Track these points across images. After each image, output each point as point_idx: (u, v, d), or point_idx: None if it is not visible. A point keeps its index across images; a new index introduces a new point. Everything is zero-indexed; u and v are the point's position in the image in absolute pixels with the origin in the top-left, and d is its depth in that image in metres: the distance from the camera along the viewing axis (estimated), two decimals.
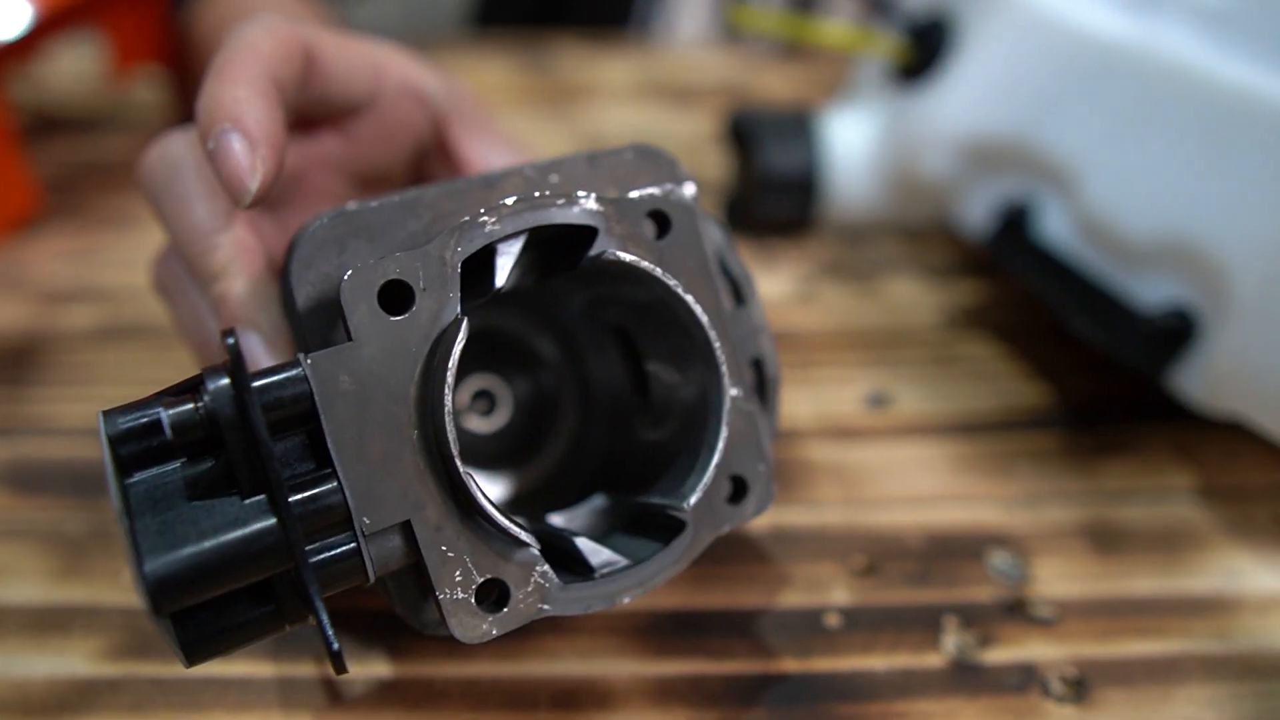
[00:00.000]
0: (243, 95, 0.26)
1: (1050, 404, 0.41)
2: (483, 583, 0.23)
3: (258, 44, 0.27)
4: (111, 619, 0.31)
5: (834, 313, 0.47)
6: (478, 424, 0.31)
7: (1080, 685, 0.30)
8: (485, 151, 0.33)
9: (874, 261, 0.51)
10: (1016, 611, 0.32)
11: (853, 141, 0.49)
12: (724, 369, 0.26)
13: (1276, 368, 0.34)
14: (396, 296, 0.23)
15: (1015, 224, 0.44)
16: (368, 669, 0.29)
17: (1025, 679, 0.30)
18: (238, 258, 0.27)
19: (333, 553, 0.22)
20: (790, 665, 0.30)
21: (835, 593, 0.32)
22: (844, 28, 0.47)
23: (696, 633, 0.31)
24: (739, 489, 0.27)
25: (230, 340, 0.21)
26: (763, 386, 0.30)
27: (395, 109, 0.33)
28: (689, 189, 0.28)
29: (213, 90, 0.26)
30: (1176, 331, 0.37)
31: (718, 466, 0.25)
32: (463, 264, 0.24)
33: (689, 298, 0.25)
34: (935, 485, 0.37)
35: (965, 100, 0.46)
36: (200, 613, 0.21)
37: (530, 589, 0.24)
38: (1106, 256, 0.40)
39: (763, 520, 0.35)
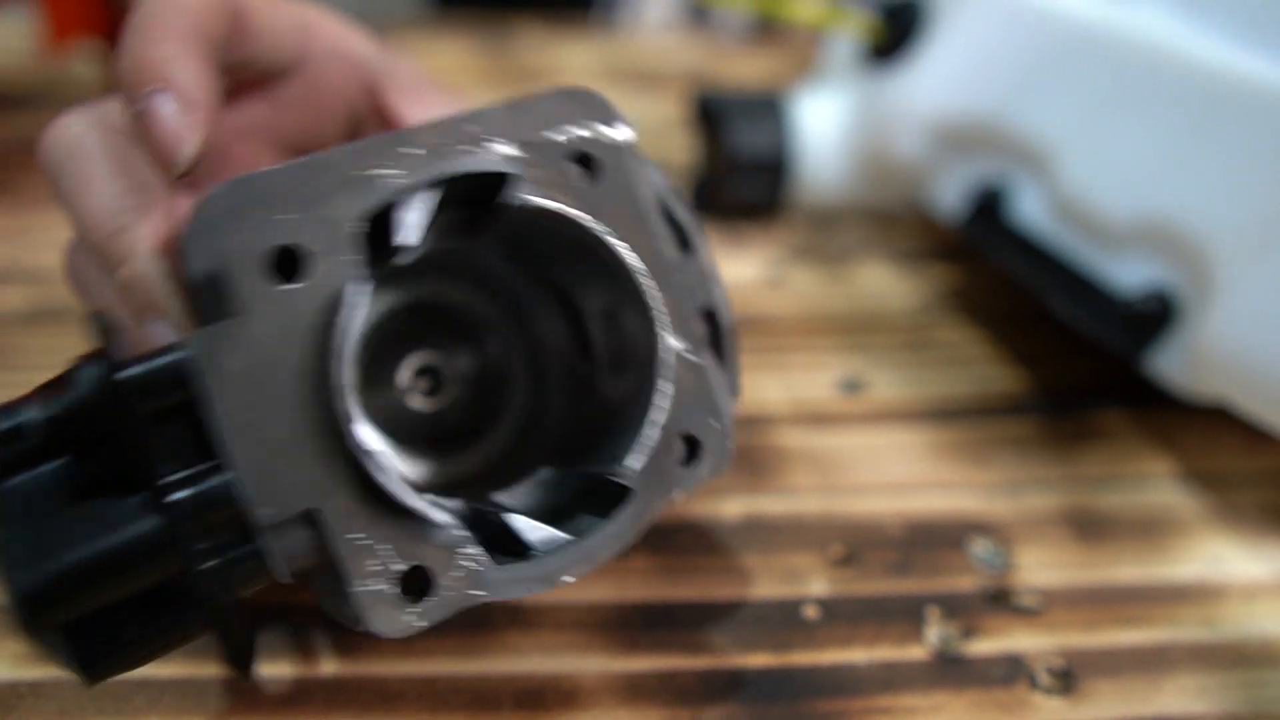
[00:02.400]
0: (172, 53, 0.23)
1: (1028, 390, 0.40)
2: (404, 571, 0.21)
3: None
4: None
5: (804, 297, 0.46)
6: (422, 403, 0.29)
7: (1068, 676, 0.29)
8: (426, 114, 0.30)
9: (845, 245, 0.50)
10: (1000, 601, 0.31)
11: (823, 123, 0.48)
12: (659, 318, 0.24)
13: (1257, 349, 0.33)
14: (288, 263, 0.21)
15: (990, 207, 0.43)
16: (316, 668, 0.27)
17: (1012, 671, 0.29)
18: (146, 239, 0.24)
19: (233, 552, 0.20)
20: (767, 660, 0.28)
21: (813, 584, 0.31)
22: (815, 4, 0.45)
23: (668, 627, 0.29)
24: (691, 449, 0.25)
25: (98, 321, 0.19)
26: (718, 338, 0.28)
27: (325, 72, 0.30)
28: (622, 131, 0.26)
29: (137, 48, 0.23)
30: (1156, 314, 0.36)
31: (663, 426, 0.24)
32: (373, 225, 0.22)
33: (613, 240, 0.23)
34: (913, 472, 0.36)
35: (938, 80, 0.45)
36: (98, 624, 0.19)
37: (458, 574, 0.21)
38: (1084, 239, 0.39)
39: (736, 509, 0.33)
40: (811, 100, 0.49)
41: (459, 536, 0.22)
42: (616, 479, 0.24)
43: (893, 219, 0.51)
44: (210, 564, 0.20)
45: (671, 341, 0.24)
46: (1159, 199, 0.36)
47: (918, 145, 0.46)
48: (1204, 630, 0.30)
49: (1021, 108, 0.42)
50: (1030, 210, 0.42)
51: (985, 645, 0.29)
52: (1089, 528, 0.34)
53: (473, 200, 0.24)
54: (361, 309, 0.21)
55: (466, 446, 0.29)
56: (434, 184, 0.23)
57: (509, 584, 0.22)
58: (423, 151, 0.23)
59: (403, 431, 0.28)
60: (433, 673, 0.27)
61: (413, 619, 0.21)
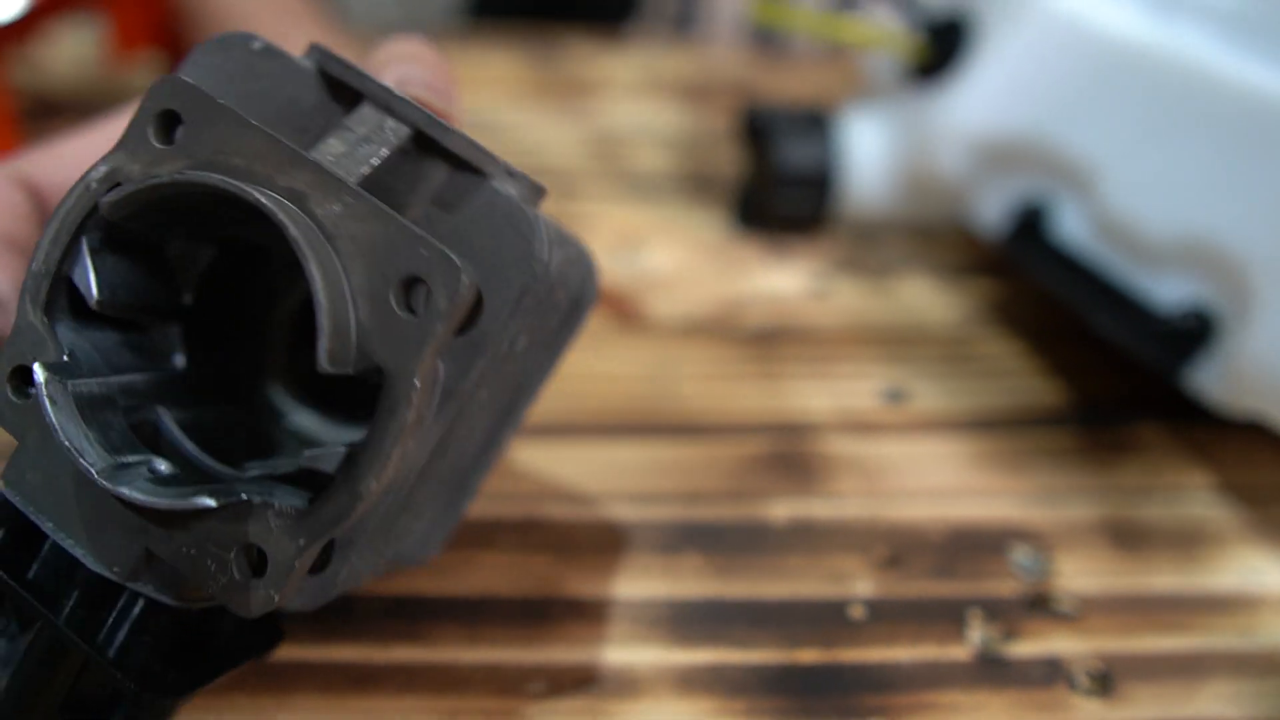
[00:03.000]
0: None
1: (1066, 402, 0.41)
2: (234, 557, 0.20)
3: None
4: None
5: (848, 309, 0.47)
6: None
7: (1106, 679, 0.30)
8: None
9: (888, 259, 0.51)
10: (1039, 606, 0.32)
11: (868, 139, 0.49)
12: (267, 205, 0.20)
13: None
14: (20, 377, 0.21)
15: (1031, 223, 0.44)
16: (390, 654, 0.29)
17: (1051, 672, 0.30)
18: None
19: (123, 614, 0.22)
20: (816, 655, 0.30)
21: (858, 584, 0.32)
22: (864, 24, 0.47)
23: (719, 622, 0.31)
24: (418, 286, 0.20)
25: None
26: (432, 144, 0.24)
27: None
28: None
29: None
30: (1194, 331, 0.37)
31: (339, 294, 0.20)
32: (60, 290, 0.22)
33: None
34: (954, 480, 0.37)
35: (982, 99, 0.46)
36: None
37: (279, 533, 0.20)
38: (1124, 257, 0.40)
39: (783, 512, 0.35)
40: (857, 117, 0.50)
41: (249, 504, 0.20)
42: (336, 370, 0.20)
43: (935, 233, 0.53)
44: (116, 638, 0.21)
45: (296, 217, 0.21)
46: (1200, 218, 0.37)
47: (961, 163, 0.47)
48: (1239, 639, 0.31)
49: (1064, 127, 0.43)
50: (1071, 227, 0.43)
51: (1025, 647, 0.30)
52: (1127, 537, 0.35)
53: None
54: (59, 399, 0.21)
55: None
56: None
57: (324, 520, 0.21)
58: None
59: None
60: (498, 660, 0.29)
61: (269, 592, 0.20)
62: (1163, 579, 0.33)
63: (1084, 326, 0.41)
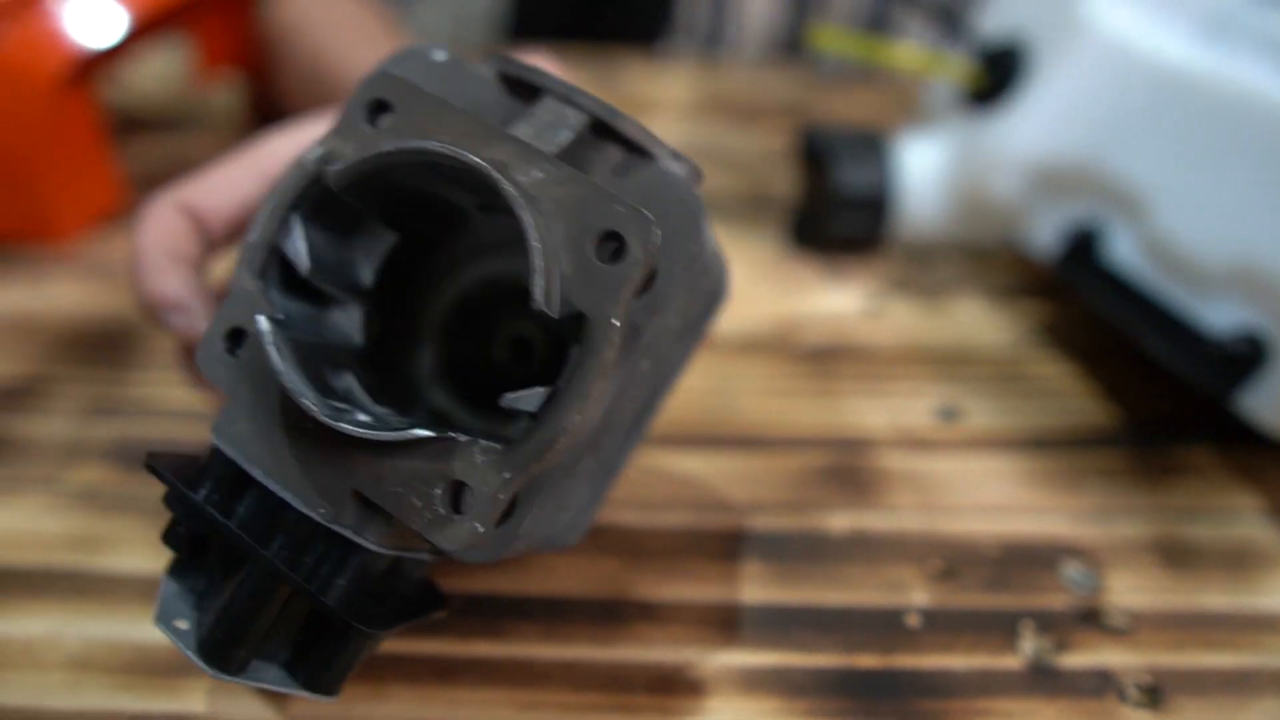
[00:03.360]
0: (161, 282, 0.31)
1: (1118, 423, 0.42)
2: (440, 493, 0.22)
3: (149, 238, 0.32)
4: None
5: (903, 329, 0.48)
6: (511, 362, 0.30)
7: (1155, 692, 0.31)
8: None
9: (942, 280, 0.52)
10: (1091, 620, 0.33)
11: (924, 163, 0.51)
12: (485, 171, 0.23)
13: None
14: (234, 338, 0.24)
15: (1083, 247, 0.45)
16: (472, 649, 0.31)
17: (1102, 684, 0.31)
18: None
19: (334, 556, 0.24)
20: (874, 661, 0.31)
21: (914, 594, 0.34)
22: (918, 50, 0.48)
23: (782, 626, 0.32)
24: (613, 240, 0.22)
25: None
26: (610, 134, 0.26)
27: None
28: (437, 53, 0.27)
29: (140, 287, 0.32)
30: (1246, 356, 0.38)
31: (546, 245, 0.22)
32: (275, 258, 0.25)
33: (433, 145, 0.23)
34: (1008, 497, 0.38)
35: (1037, 125, 0.47)
36: (309, 653, 0.24)
37: (484, 468, 0.22)
38: (1176, 281, 0.41)
39: (842, 523, 0.36)
40: (913, 141, 0.52)
41: (457, 439, 0.23)
42: (543, 314, 0.22)
43: (988, 255, 0.54)
44: (333, 578, 0.24)
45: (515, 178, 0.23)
46: (1251, 244, 0.38)
47: (1014, 187, 0.48)
48: None
49: (1117, 152, 0.44)
50: (1123, 251, 0.44)
51: (1076, 659, 0.32)
52: (1177, 556, 0.36)
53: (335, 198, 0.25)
54: (277, 345, 0.23)
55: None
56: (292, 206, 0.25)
57: (527, 452, 0.23)
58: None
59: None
60: (573, 657, 0.30)
61: (472, 525, 0.22)
62: (1213, 597, 0.34)
63: (1136, 348, 0.42)
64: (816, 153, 0.52)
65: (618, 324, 0.22)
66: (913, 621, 0.33)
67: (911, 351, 0.46)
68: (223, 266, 0.35)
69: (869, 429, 0.41)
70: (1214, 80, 0.41)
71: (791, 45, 0.81)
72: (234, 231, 0.34)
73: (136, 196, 0.57)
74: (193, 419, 0.40)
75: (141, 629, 0.31)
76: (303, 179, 0.24)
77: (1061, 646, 0.32)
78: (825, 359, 0.46)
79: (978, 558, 0.35)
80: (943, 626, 0.32)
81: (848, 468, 0.39)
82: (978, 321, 0.49)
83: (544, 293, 0.22)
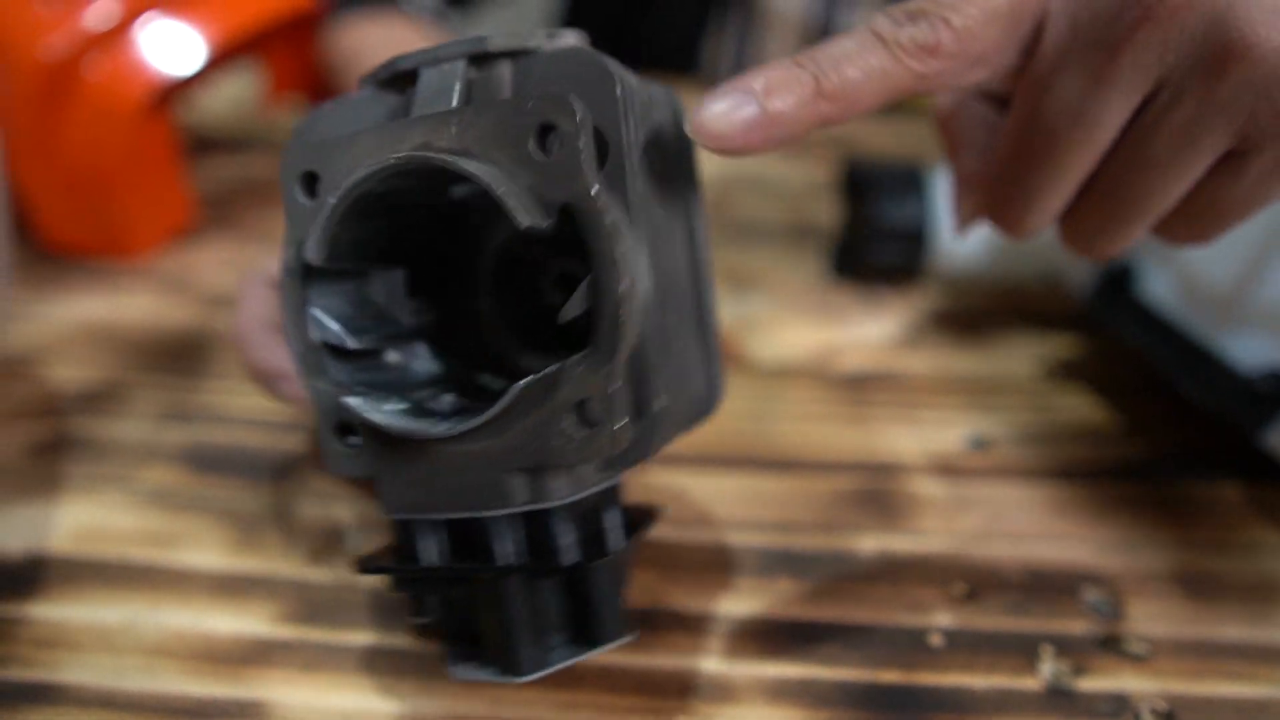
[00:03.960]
0: (264, 355, 0.34)
1: (1145, 456, 0.43)
2: (569, 419, 0.25)
3: (248, 315, 0.35)
4: (285, 589, 0.35)
5: (937, 358, 0.49)
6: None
7: (1171, 718, 0.32)
8: None
9: (977, 311, 0.53)
10: (1109, 646, 0.34)
11: None
12: None
13: None
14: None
15: (1116, 283, 0.46)
16: None
17: (1118, 707, 0.32)
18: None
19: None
20: (896, 677, 0.32)
21: (937, 615, 0.35)
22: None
23: (809, 641, 0.34)
24: (546, 132, 0.25)
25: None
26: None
27: None
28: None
29: (247, 360, 0.35)
30: (1273, 394, 0.39)
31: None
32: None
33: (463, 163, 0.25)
34: (1032, 524, 0.39)
35: None
36: (582, 619, 0.27)
37: (584, 375, 0.25)
38: (1206, 318, 0.42)
39: (870, 545, 0.38)
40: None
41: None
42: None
43: (1023, 288, 0.55)
44: (554, 546, 0.26)
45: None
46: (1276, 290, 0.39)
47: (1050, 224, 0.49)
48: None
49: None
50: (1155, 287, 0.45)
51: (1094, 683, 0.33)
52: (1198, 587, 0.37)
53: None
54: (375, 409, 0.26)
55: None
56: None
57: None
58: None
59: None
60: (609, 662, 0.32)
61: (610, 428, 0.25)
62: (1232, 629, 0.35)
63: (1165, 382, 0.43)
64: (858, 185, 0.53)
65: (596, 187, 0.24)
66: (935, 641, 0.34)
67: (945, 381, 0.48)
68: None
69: (901, 455, 0.43)
70: None
71: None
72: None
73: (208, 214, 0.60)
74: (259, 426, 0.43)
75: (210, 620, 0.34)
76: (295, 282, 0.27)
77: (1080, 670, 0.33)
78: (861, 386, 0.47)
79: (1001, 582, 0.36)
80: (964, 646, 0.34)
81: (878, 491, 0.40)
82: (1011, 353, 0.50)
83: (521, 212, 0.24)
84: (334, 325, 0.27)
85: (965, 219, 0.34)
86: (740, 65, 0.84)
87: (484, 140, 0.25)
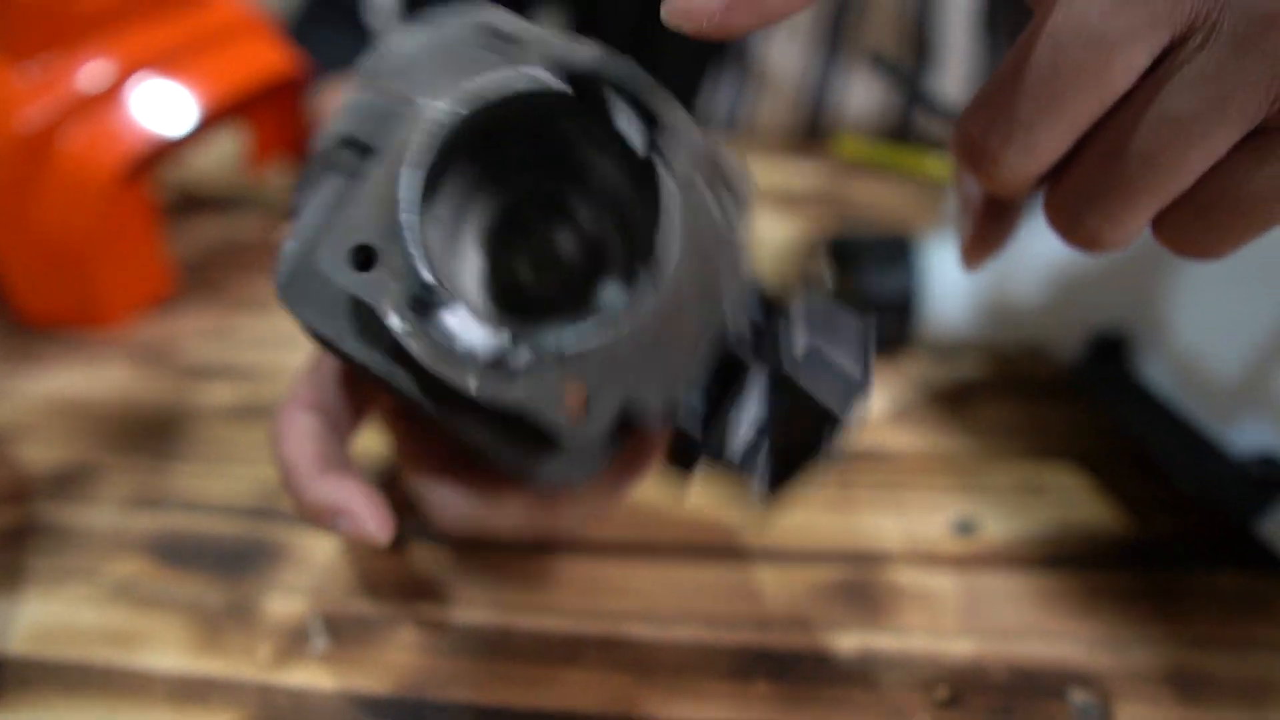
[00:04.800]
0: (318, 492, 0.31)
1: (1135, 541, 0.42)
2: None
3: (291, 450, 0.32)
4: (247, 694, 0.34)
5: (924, 433, 0.49)
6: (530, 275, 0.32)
7: None
8: None
9: (966, 382, 0.52)
10: None
11: (951, 266, 0.51)
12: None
13: None
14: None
15: (1106, 355, 0.46)
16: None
17: None
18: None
19: None
20: None
21: None
22: (942, 159, 0.49)
23: None
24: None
25: None
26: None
27: None
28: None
29: (299, 501, 0.31)
30: (1266, 481, 0.38)
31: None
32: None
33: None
34: (1019, 619, 0.38)
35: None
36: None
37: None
38: (1197, 398, 0.41)
39: (850, 643, 0.37)
40: (939, 245, 0.52)
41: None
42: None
43: (1014, 358, 0.54)
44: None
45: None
46: (1271, 374, 0.38)
47: (1038, 294, 0.48)
48: None
49: (1140, 266, 0.44)
50: (1145, 362, 0.44)
51: None
52: (1190, 688, 0.36)
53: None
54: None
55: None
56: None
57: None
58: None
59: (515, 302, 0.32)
60: None
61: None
62: None
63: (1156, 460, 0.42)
64: (844, 256, 0.53)
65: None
66: None
67: (932, 458, 0.47)
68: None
69: (884, 541, 0.42)
70: None
71: (811, 132, 0.83)
72: (363, 411, 0.35)
73: (188, 280, 0.59)
74: (228, 513, 0.42)
75: None
76: (421, 338, 0.25)
77: None
78: (844, 464, 0.46)
79: (985, 684, 0.35)
80: None
81: (861, 583, 0.39)
82: (1001, 427, 0.49)
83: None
84: (476, 333, 0.26)
85: (972, 250, 0.31)
86: (733, 121, 0.84)
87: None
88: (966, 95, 0.80)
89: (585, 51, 0.27)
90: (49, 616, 0.37)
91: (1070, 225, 0.26)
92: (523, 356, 0.25)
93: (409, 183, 0.25)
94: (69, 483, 0.44)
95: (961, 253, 0.30)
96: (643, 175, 0.28)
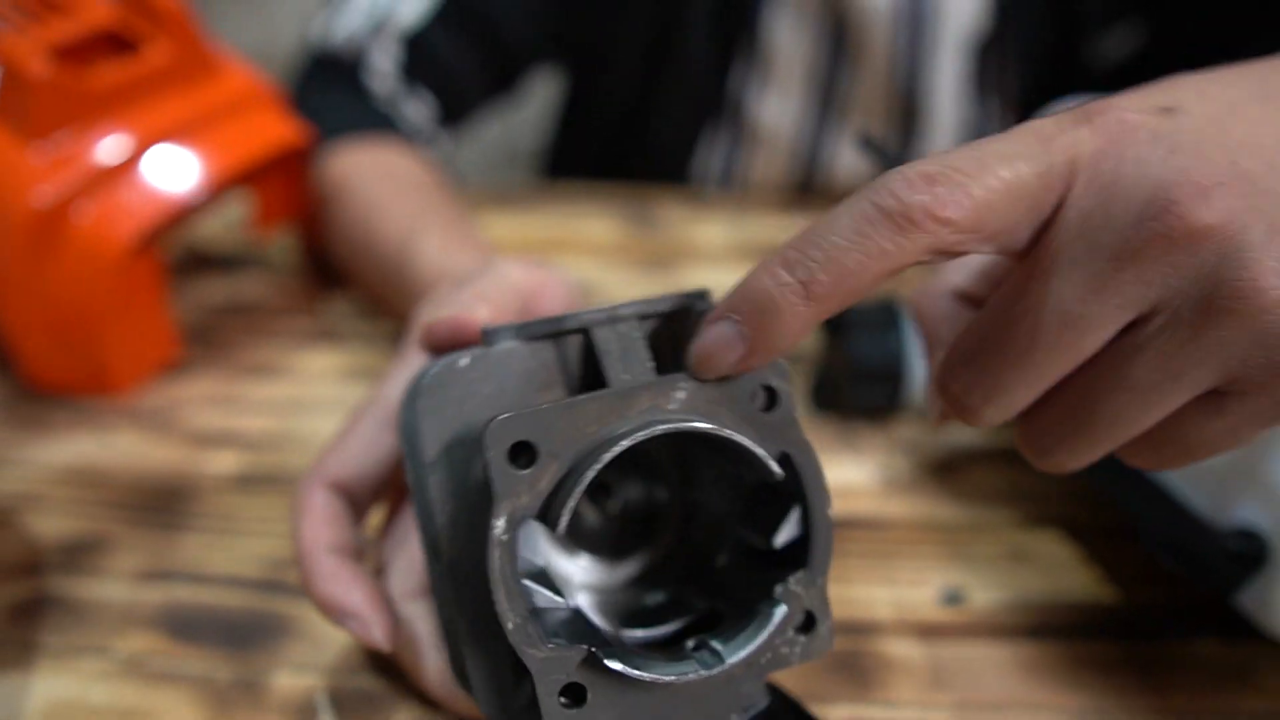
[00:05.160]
0: (334, 590, 0.33)
1: (1118, 610, 0.43)
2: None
3: (310, 534, 0.34)
4: None
5: (913, 501, 0.50)
6: (591, 511, 0.34)
7: None
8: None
9: (954, 449, 0.54)
10: None
11: None
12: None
13: None
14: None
15: None
16: None
17: None
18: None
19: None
20: None
21: None
22: None
23: None
24: (764, 392, 0.29)
25: None
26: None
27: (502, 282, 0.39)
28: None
29: (312, 591, 0.33)
30: (1245, 555, 0.39)
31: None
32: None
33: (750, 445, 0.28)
34: (1005, 692, 0.39)
35: None
36: None
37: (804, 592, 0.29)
38: (1179, 471, 0.42)
39: (840, 715, 0.38)
40: None
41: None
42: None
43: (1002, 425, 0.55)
44: None
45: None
46: (1254, 453, 0.39)
47: None
48: None
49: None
50: None
51: None
52: None
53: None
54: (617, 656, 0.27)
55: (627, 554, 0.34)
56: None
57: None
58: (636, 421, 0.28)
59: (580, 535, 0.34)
60: None
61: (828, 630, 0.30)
62: None
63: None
64: (835, 325, 0.54)
65: (805, 437, 0.29)
66: None
67: (921, 526, 0.48)
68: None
69: (875, 612, 0.43)
70: None
71: (804, 188, 0.85)
72: (380, 492, 0.36)
73: (194, 344, 0.61)
74: (237, 585, 0.43)
75: None
76: (508, 555, 0.27)
77: None
78: (839, 534, 0.47)
79: None
80: None
81: (852, 654, 0.41)
82: (989, 494, 0.50)
83: (773, 463, 0.28)
84: (545, 590, 0.27)
85: (943, 413, 0.34)
86: (729, 179, 0.86)
87: (711, 402, 0.28)
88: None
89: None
90: (61, 693, 0.38)
91: (1039, 457, 0.30)
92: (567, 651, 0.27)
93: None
94: (79, 554, 0.45)
95: (933, 417, 0.33)
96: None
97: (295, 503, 0.35)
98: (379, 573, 0.36)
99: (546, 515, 0.27)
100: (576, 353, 0.30)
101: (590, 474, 0.26)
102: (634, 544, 0.34)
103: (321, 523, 0.34)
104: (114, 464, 0.51)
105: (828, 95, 0.80)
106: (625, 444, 0.26)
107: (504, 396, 0.29)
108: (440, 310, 0.35)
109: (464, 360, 0.29)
